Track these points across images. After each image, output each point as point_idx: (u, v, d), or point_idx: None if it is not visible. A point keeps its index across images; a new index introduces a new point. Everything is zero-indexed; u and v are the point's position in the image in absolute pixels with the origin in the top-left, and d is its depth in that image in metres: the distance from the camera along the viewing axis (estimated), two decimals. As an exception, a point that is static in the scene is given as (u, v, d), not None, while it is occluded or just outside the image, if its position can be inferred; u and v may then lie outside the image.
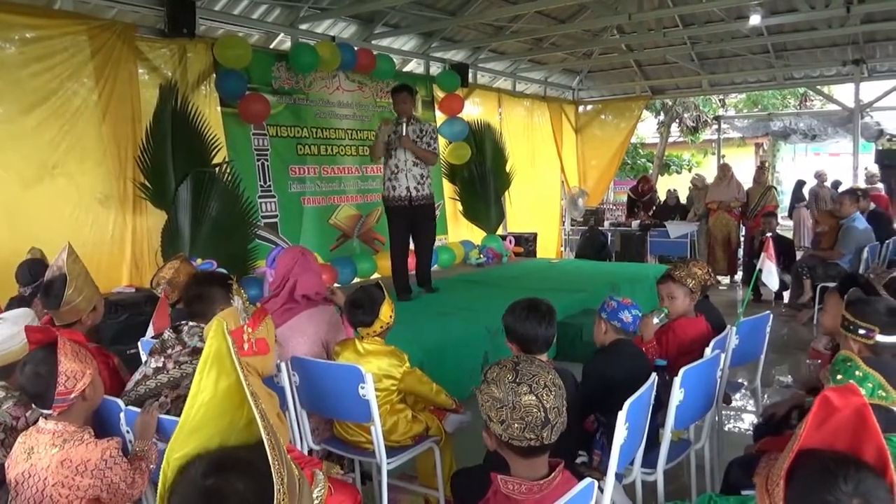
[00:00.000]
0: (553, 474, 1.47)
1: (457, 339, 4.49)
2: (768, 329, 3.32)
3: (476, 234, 8.54)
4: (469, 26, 8.23)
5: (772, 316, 3.32)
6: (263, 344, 2.04)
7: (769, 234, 6.13)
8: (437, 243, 7.15)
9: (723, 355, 2.69)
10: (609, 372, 2.46)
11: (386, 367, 2.66)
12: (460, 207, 8.50)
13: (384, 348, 2.71)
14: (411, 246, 5.87)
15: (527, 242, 8.91)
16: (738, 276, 8.93)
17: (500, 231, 8.82)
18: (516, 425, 1.44)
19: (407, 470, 3.02)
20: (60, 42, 4.87)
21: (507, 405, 1.44)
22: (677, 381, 2.33)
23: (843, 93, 12.57)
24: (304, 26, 6.79)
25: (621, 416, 1.99)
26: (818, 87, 11.11)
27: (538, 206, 10.35)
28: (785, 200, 11.85)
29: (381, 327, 2.71)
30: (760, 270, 3.23)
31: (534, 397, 1.43)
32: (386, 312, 2.71)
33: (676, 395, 2.33)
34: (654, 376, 2.28)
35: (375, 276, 7.01)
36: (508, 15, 7.87)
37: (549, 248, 10.33)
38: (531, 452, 1.47)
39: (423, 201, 5.65)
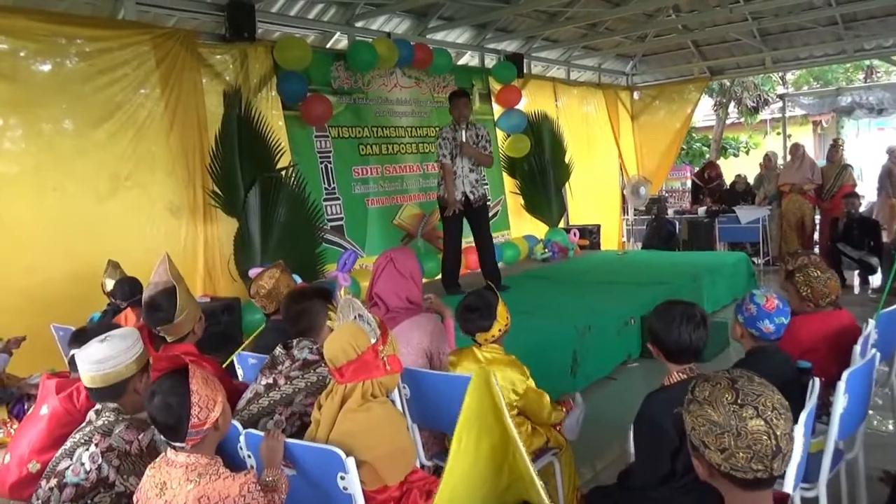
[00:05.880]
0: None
1: (545, 338, 4.28)
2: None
3: (539, 229, 8.30)
4: (523, 14, 7.99)
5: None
6: (395, 361, 1.88)
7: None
8: (500, 239, 6.95)
9: (879, 355, 2.42)
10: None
11: (510, 379, 2.46)
12: (521, 201, 8.27)
13: (506, 357, 2.52)
14: (463, 245, 5.94)
15: (591, 235, 8.63)
16: (816, 261, 8.49)
17: (561, 224, 8.57)
18: (741, 454, 1.23)
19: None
20: (124, 53, 4.81)
21: (731, 431, 1.23)
22: (841, 385, 2.09)
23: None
24: (359, 24, 6.67)
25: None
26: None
27: (597, 196, 10.05)
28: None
29: (500, 330, 2.53)
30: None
31: (762, 422, 1.22)
32: (503, 314, 2.53)
33: (841, 400, 2.09)
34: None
35: (440, 277, 6.82)
36: (563, 0, 7.61)
37: (610, 239, 10.02)
38: (757, 485, 1.26)
39: (480, 202, 5.79)
